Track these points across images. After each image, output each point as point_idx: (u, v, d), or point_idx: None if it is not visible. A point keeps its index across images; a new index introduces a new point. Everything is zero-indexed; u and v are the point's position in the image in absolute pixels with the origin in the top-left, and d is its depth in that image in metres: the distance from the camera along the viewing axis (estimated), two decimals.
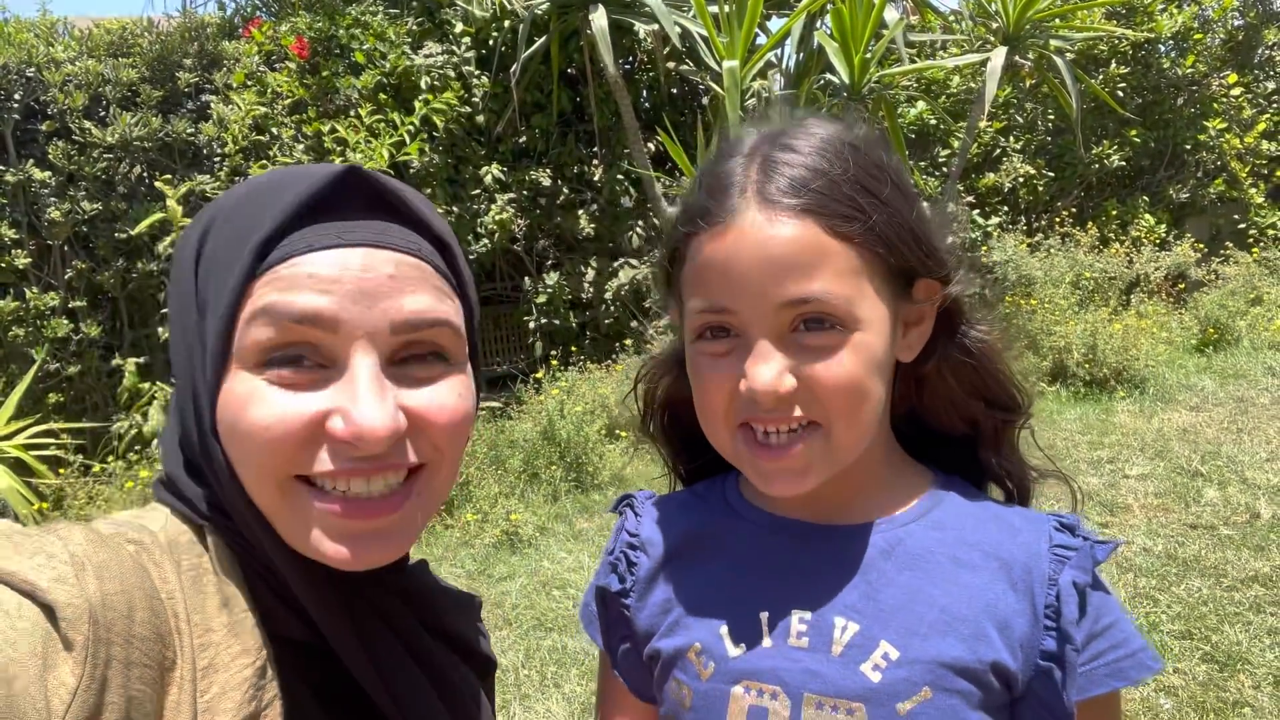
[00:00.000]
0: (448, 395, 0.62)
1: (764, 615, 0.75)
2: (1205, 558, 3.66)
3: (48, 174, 6.21)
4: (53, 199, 6.24)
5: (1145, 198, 9.36)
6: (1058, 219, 9.01)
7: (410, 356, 0.61)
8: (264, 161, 6.33)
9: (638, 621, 0.83)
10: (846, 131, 0.74)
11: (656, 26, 6.37)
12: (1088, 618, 0.72)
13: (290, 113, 6.55)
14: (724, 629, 0.76)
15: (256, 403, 0.56)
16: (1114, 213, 9.26)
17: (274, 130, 6.46)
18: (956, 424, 0.82)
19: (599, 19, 6.27)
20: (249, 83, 6.62)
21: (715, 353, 0.71)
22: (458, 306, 0.65)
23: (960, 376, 0.79)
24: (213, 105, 6.55)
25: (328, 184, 0.60)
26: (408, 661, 0.67)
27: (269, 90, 6.52)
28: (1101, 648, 0.72)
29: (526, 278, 7.61)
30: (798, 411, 0.69)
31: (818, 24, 6.86)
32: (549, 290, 7.35)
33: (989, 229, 8.96)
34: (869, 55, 5.90)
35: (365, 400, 0.57)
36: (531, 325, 7.47)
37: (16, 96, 6.20)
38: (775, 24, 7.35)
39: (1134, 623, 0.75)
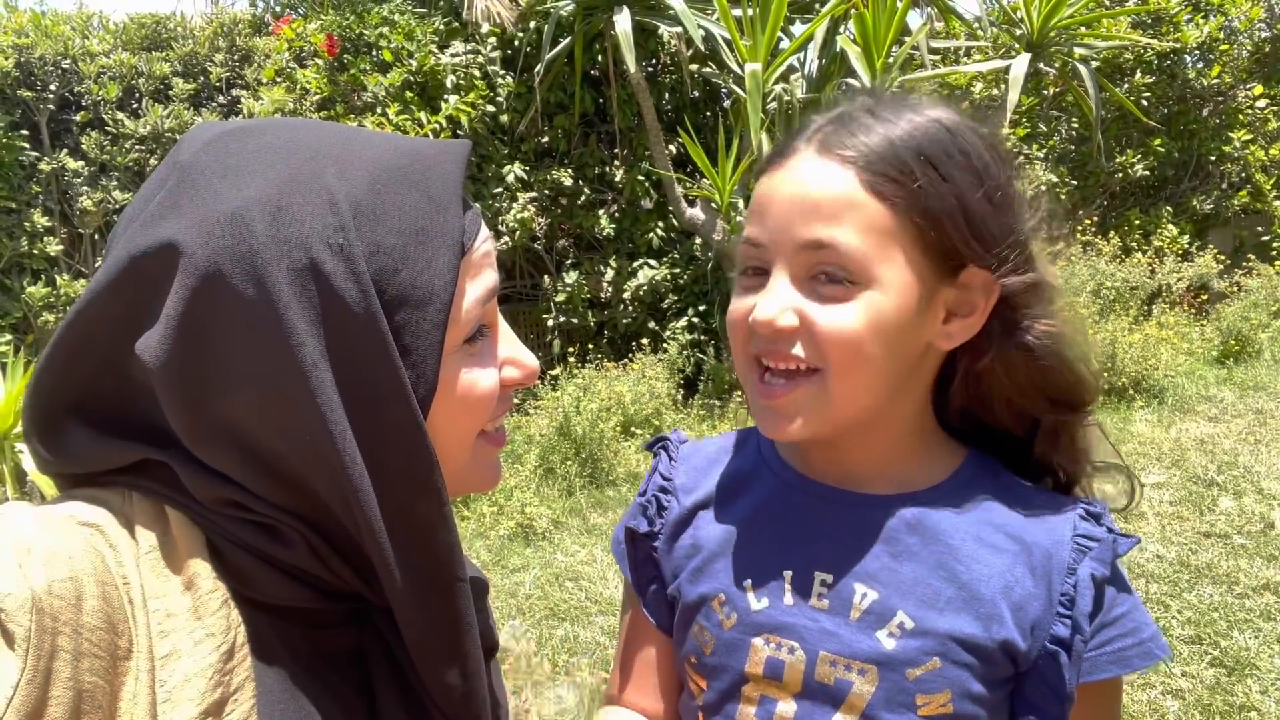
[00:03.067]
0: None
1: (788, 573, 0.77)
2: (1217, 565, 3.66)
3: (81, 164, 6.35)
4: (85, 188, 6.38)
5: (1169, 208, 9.29)
6: (1079, 227, 8.97)
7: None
8: None
9: (664, 563, 0.86)
10: (954, 117, 0.74)
11: (680, 29, 6.41)
12: (1101, 609, 0.74)
13: (318, 109, 6.65)
14: (748, 582, 0.78)
15: (475, 379, 0.62)
16: (1137, 222, 9.20)
17: None
18: (1014, 422, 0.80)
19: (623, 21, 6.33)
20: (278, 79, 6.73)
21: (747, 285, 0.75)
22: None
23: (1016, 374, 0.76)
24: (242, 100, 6.66)
25: (467, 163, 0.64)
26: None
27: (298, 86, 6.63)
28: (1110, 635, 0.74)
29: (546, 276, 7.67)
30: (797, 351, 0.71)
31: (841, 29, 6.88)
32: (568, 289, 7.40)
33: None
34: (891, 60, 5.92)
35: (522, 348, 0.68)
36: (550, 323, 7.53)
37: (52, 87, 6.34)
38: (799, 29, 7.37)
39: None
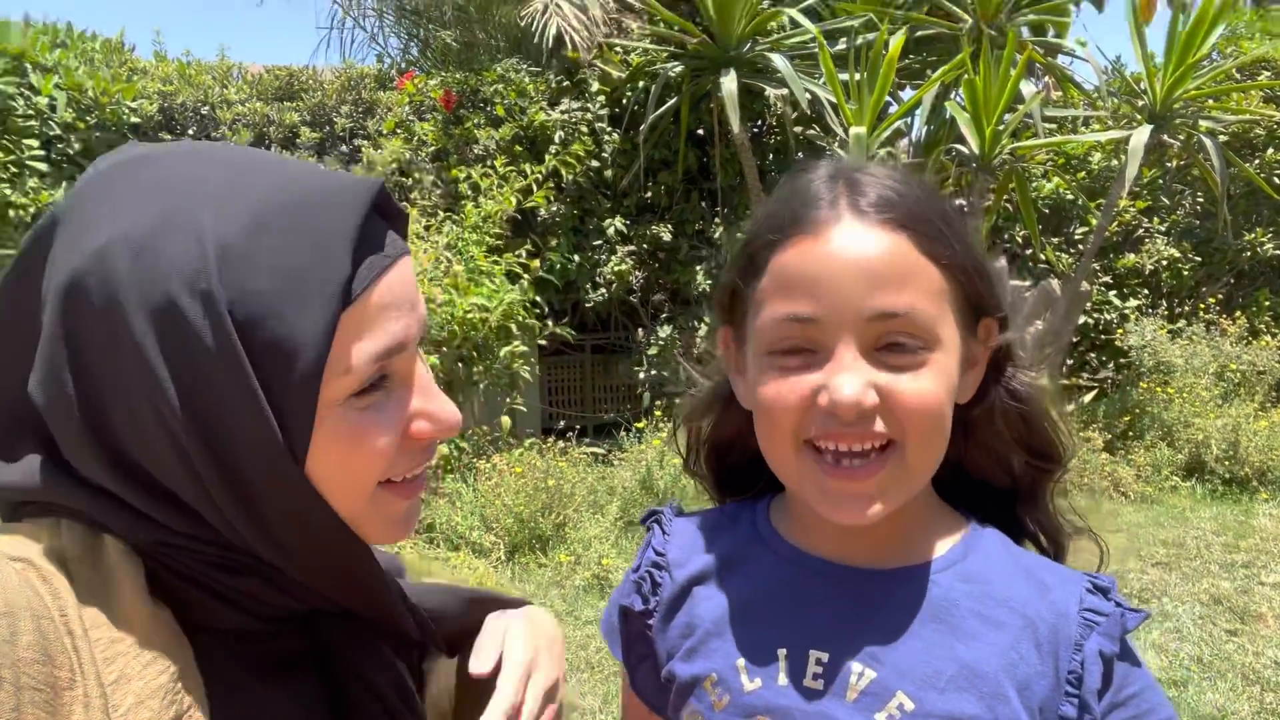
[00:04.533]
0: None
1: (781, 652, 0.74)
2: None
3: None
4: None
5: None
6: (1202, 306, 8.51)
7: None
8: (405, 204, 6.71)
9: (658, 641, 0.83)
10: (913, 175, 0.76)
11: (786, 91, 6.46)
12: (1111, 688, 0.70)
13: (432, 159, 6.95)
14: (741, 661, 0.76)
15: (362, 433, 0.58)
16: (1266, 303, 8.67)
17: (416, 175, 6.86)
18: (998, 474, 0.81)
19: (729, 82, 6.42)
20: (398, 130, 7.07)
21: (789, 366, 0.69)
22: None
23: (1008, 421, 0.78)
24: (363, 150, 7.02)
25: (369, 209, 0.59)
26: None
27: (415, 137, 6.95)
28: (1122, 717, 0.70)
29: (640, 329, 7.73)
30: (879, 427, 0.67)
31: (951, 95, 6.81)
32: (661, 343, 7.44)
33: (1126, 311, 8.54)
34: (1001, 127, 5.81)
35: (439, 399, 0.65)
36: (641, 375, 7.56)
37: (191, 131, 6.83)
38: (908, 93, 7.33)
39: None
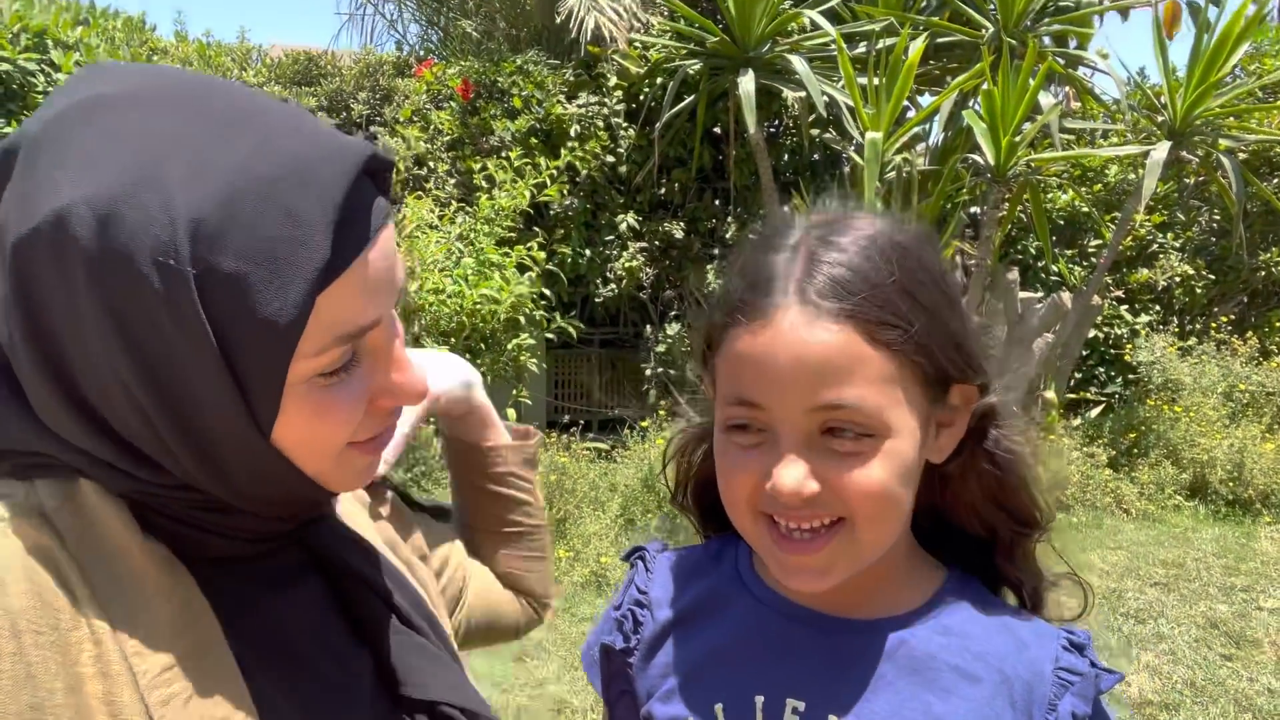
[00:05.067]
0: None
1: (759, 700, 0.75)
2: None
3: None
4: None
5: None
6: (1214, 324, 8.47)
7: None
8: (419, 193, 6.72)
9: (638, 680, 0.84)
10: (896, 229, 0.73)
11: (804, 93, 6.44)
12: None
13: (448, 149, 6.95)
14: (719, 707, 0.76)
15: (328, 409, 0.58)
16: (1279, 324, 8.63)
17: (431, 164, 6.87)
18: (975, 526, 0.81)
19: (747, 82, 6.40)
20: (415, 118, 7.08)
21: (743, 444, 0.71)
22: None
23: (983, 483, 0.77)
24: (379, 137, 7.03)
25: (355, 181, 0.55)
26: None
27: (431, 126, 6.96)
28: None
29: (649, 325, 7.74)
30: (825, 509, 0.68)
31: (970, 103, 6.78)
32: (669, 340, 7.44)
33: (1137, 326, 8.50)
34: (1018, 139, 5.78)
35: (410, 371, 0.64)
36: (648, 373, 7.57)
37: None
38: (928, 99, 7.29)
39: None
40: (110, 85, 0.54)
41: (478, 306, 5.37)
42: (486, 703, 0.73)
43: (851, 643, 0.76)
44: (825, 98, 6.37)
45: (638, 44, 7.50)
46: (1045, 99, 6.12)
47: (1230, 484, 6.25)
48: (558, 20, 7.33)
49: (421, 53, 8.55)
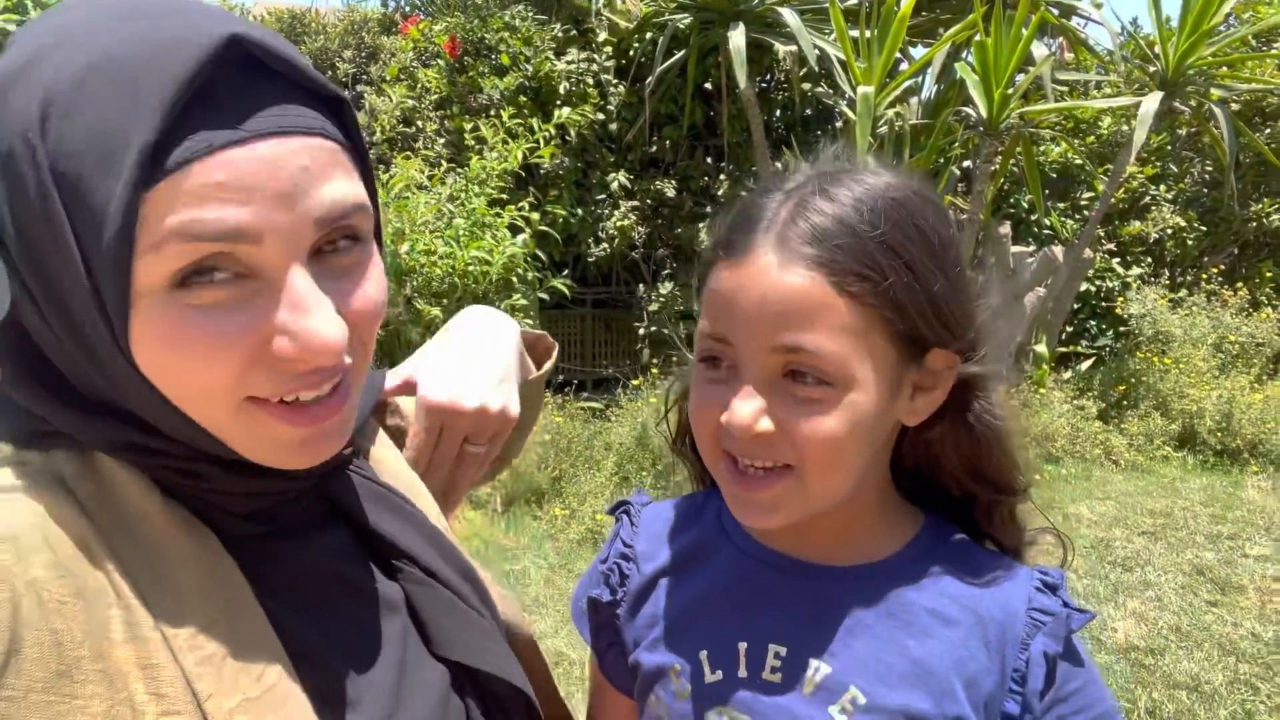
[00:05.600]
0: (371, 287, 0.59)
1: (742, 646, 0.77)
2: None
3: None
4: None
5: None
6: (1205, 276, 8.50)
7: (325, 244, 0.56)
8: (408, 153, 6.67)
9: (625, 630, 0.86)
10: (898, 187, 0.72)
11: (795, 47, 6.38)
12: (1053, 686, 0.73)
13: (436, 108, 6.87)
14: (703, 653, 0.78)
15: (184, 334, 0.51)
16: (1269, 275, 8.67)
17: (419, 123, 6.80)
18: (953, 487, 0.82)
19: (737, 37, 6.32)
20: (401, 77, 6.99)
21: (712, 378, 0.73)
22: (359, 178, 0.58)
23: (961, 450, 0.78)
24: (366, 96, 6.96)
25: (210, 62, 0.50)
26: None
27: (419, 85, 6.87)
28: (1062, 712, 0.73)
29: (641, 284, 7.73)
30: (776, 452, 0.70)
31: (963, 55, 6.72)
32: (662, 299, 7.44)
33: (1129, 279, 8.53)
34: (1010, 91, 5.75)
35: (313, 317, 0.53)
36: (641, 332, 7.58)
37: None
38: (920, 52, 7.22)
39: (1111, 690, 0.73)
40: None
41: (470, 268, 5.35)
42: (516, 663, 0.72)
43: (831, 588, 0.78)
44: (817, 51, 6.31)
45: None
46: (1038, 50, 6.07)
47: (1219, 434, 6.33)
48: None
49: (407, 8, 8.41)
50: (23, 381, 0.56)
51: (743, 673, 0.76)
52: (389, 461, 0.80)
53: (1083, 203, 8.95)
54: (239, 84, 0.52)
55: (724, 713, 0.76)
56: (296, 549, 0.65)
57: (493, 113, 6.71)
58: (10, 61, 0.51)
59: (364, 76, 7.25)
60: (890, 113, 6.28)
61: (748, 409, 0.68)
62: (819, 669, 0.74)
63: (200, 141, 0.49)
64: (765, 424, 0.68)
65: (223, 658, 0.53)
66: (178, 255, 0.49)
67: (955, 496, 0.82)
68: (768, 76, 8.02)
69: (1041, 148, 8.44)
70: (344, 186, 0.55)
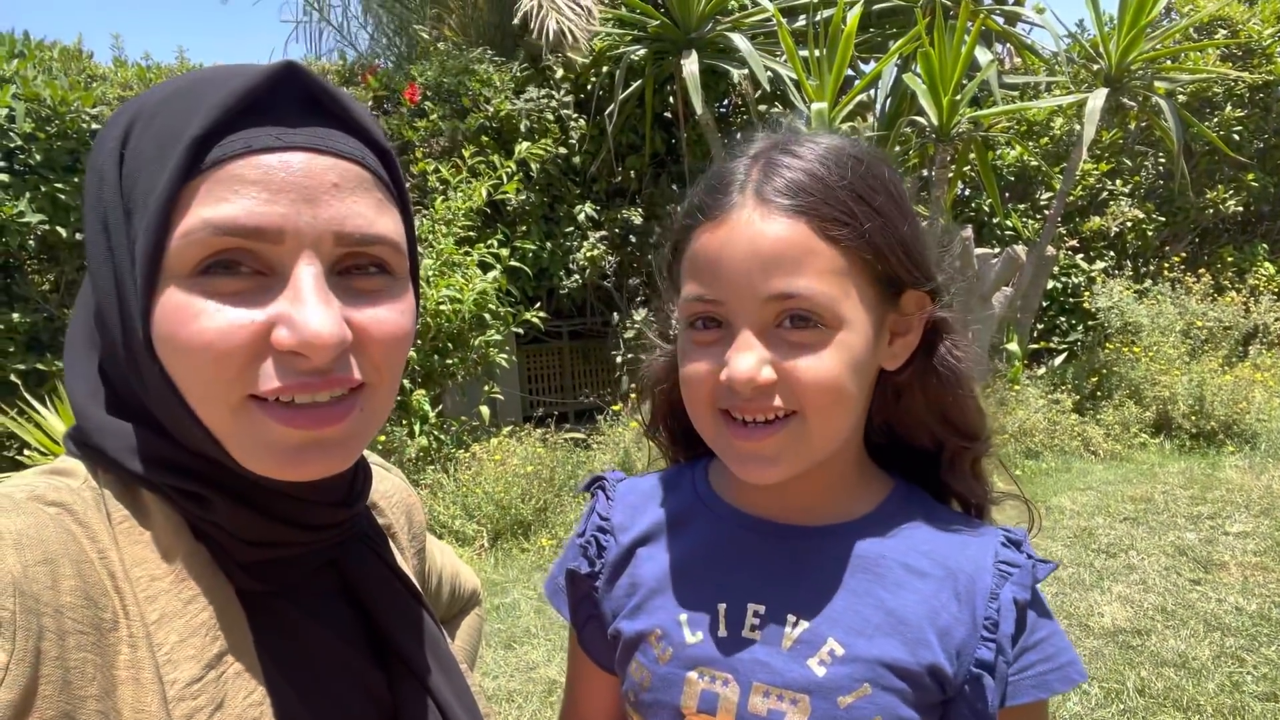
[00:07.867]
0: (389, 312, 0.60)
1: (721, 606, 0.79)
2: None
3: None
4: None
5: (1264, 245, 8.89)
6: (1167, 265, 8.65)
7: (353, 267, 0.59)
8: None
9: (603, 602, 0.88)
10: (852, 143, 0.77)
11: (748, 70, 6.50)
12: (1024, 632, 0.76)
13: (399, 154, 6.93)
14: (683, 616, 0.80)
15: (196, 316, 0.53)
16: (1230, 259, 8.83)
17: None
18: (922, 439, 0.85)
19: (691, 64, 6.45)
20: None
21: (703, 341, 0.74)
22: (399, 221, 0.62)
23: (929, 393, 0.81)
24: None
25: (264, 81, 0.56)
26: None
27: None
28: (1031, 660, 0.76)
29: (616, 313, 7.79)
30: (777, 401, 0.71)
31: (911, 67, 6.87)
32: (637, 326, 7.49)
33: (1093, 274, 8.66)
34: (959, 97, 5.88)
35: (311, 308, 0.54)
36: (618, 360, 7.62)
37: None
38: (871, 68, 7.37)
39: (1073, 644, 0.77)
40: None
41: (440, 306, 5.39)
42: None
43: (805, 547, 0.80)
44: (769, 73, 6.44)
45: (584, 35, 7.52)
46: (983, 56, 6.22)
47: (1193, 418, 6.42)
48: (515, 21, 7.31)
49: (367, 60, 8.51)
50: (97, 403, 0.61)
51: (723, 632, 0.78)
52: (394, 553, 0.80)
53: (1042, 203, 9.11)
54: (291, 108, 0.57)
55: (705, 672, 0.78)
56: (304, 616, 0.65)
57: (455, 155, 6.77)
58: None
59: None
60: (845, 127, 6.40)
61: (750, 359, 0.70)
62: (797, 624, 0.77)
63: (239, 141, 0.54)
64: (768, 373, 0.70)
65: (211, 711, 0.54)
66: (203, 245, 0.53)
67: (922, 449, 0.85)
68: (725, 101, 8.15)
69: (998, 152, 8.60)
70: (372, 213, 0.59)
